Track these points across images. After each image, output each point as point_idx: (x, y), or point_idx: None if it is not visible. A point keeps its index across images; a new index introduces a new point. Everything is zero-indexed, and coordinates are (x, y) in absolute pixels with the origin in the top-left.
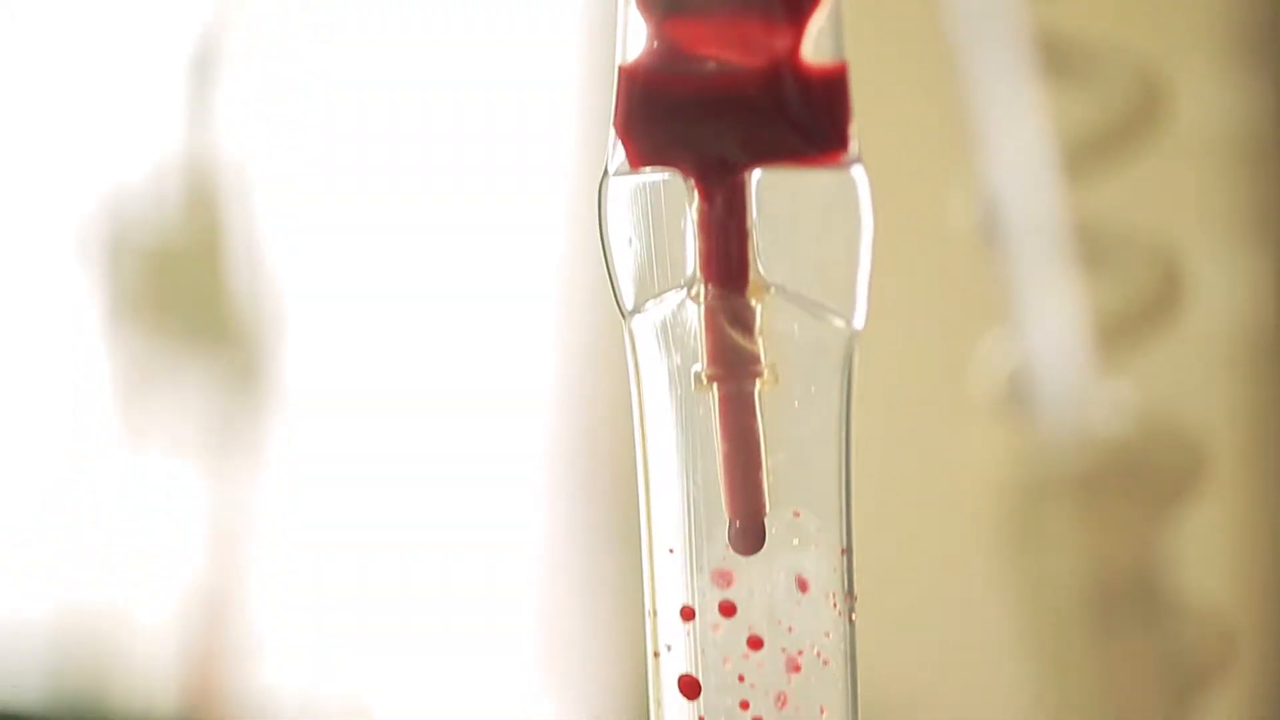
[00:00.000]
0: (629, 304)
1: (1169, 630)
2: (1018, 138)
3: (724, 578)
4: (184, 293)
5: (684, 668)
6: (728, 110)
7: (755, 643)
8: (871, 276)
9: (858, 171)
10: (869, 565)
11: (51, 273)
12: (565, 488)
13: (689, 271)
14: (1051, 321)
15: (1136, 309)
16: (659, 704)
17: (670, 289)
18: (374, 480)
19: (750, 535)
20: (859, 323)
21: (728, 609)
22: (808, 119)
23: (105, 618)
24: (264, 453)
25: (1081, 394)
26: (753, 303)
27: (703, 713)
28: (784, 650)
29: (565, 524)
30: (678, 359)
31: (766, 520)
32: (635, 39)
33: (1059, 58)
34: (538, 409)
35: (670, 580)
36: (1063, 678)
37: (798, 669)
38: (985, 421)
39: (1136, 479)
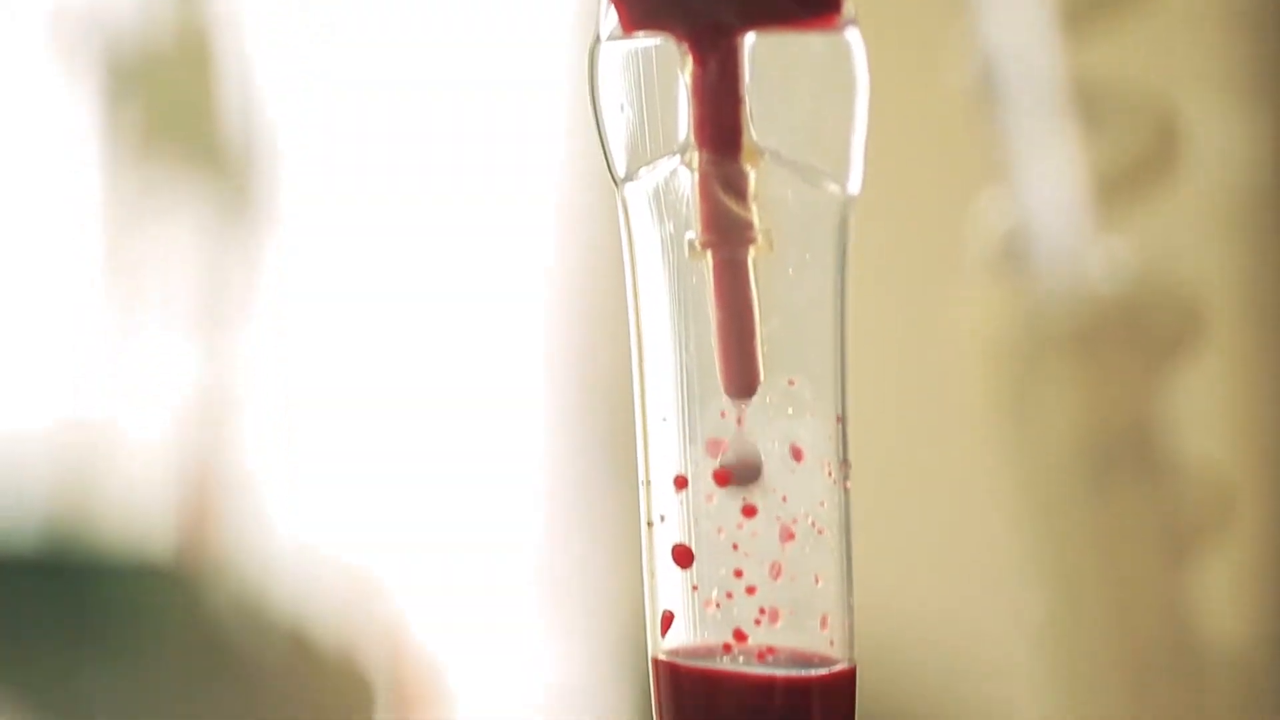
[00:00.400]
0: (621, 171)
1: (1166, 487)
2: None
3: (718, 447)
4: (176, 116)
5: (677, 537)
6: None
7: (749, 511)
8: (867, 139)
9: (852, 34)
10: (865, 432)
11: (42, 92)
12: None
13: (682, 138)
14: (1048, 179)
15: (1133, 166)
16: (652, 574)
17: (663, 156)
18: (370, 310)
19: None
20: (854, 187)
21: (721, 478)
22: None
23: (99, 442)
24: (258, 280)
25: (1078, 252)
26: (746, 169)
27: (696, 582)
28: (778, 519)
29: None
30: (670, 227)
31: (761, 388)
32: None
33: None
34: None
35: (664, 450)
36: (1060, 535)
37: (792, 538)
38: (982, 281)
39: (1133, 336)
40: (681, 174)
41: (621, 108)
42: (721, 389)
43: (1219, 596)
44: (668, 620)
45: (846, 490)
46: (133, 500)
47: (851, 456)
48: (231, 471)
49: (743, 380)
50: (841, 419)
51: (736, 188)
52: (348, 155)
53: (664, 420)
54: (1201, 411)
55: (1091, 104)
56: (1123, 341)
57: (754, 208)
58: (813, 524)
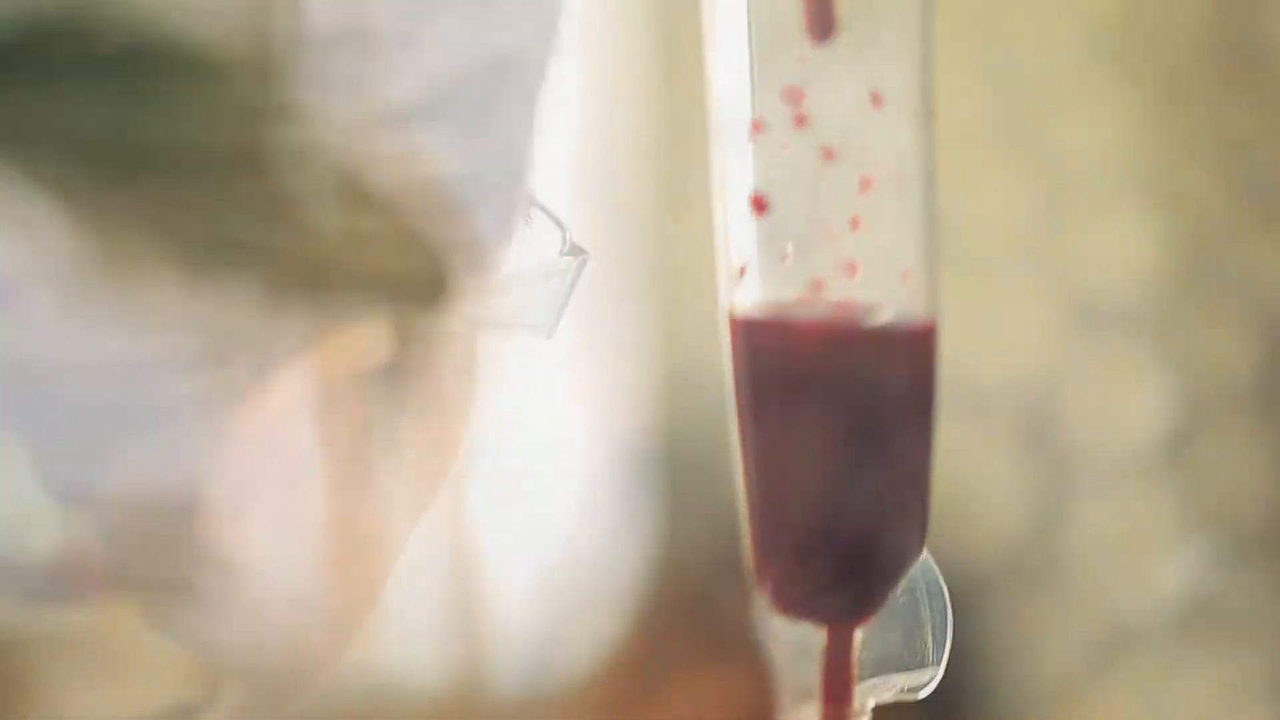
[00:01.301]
0: None
1: None
2: None
3: (794, 94)
4: None
5: (752, 185)
6: None
7: (827, 160)
8: None
9: None
10: (954, 71)
11: None
12: None
13: None
14: None
15: None
16: (726, 225)
17: None
18: None
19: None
20: None
21: (799, 122)
22: None
23: None
24: None
25: None
26: None
27: (772, 232)
28: (857, 168)
29: None
30: None
31: (841, 28)
32: None
33: None
34: None
35: (738, 94)
36: (1178, 127)
37: (871, 187)
38: None
39: None
40: None
41: None
42: (799, 30)
43: None
44: (742, 273)
45: (930, 138)
46: None
47: (938, 102)
48: None
49: (822, 20)
50: (926, 60)
51: None
52: None
53: (739, 64)
54: None
55: None
56: None
57: None
58: (894, 174)
